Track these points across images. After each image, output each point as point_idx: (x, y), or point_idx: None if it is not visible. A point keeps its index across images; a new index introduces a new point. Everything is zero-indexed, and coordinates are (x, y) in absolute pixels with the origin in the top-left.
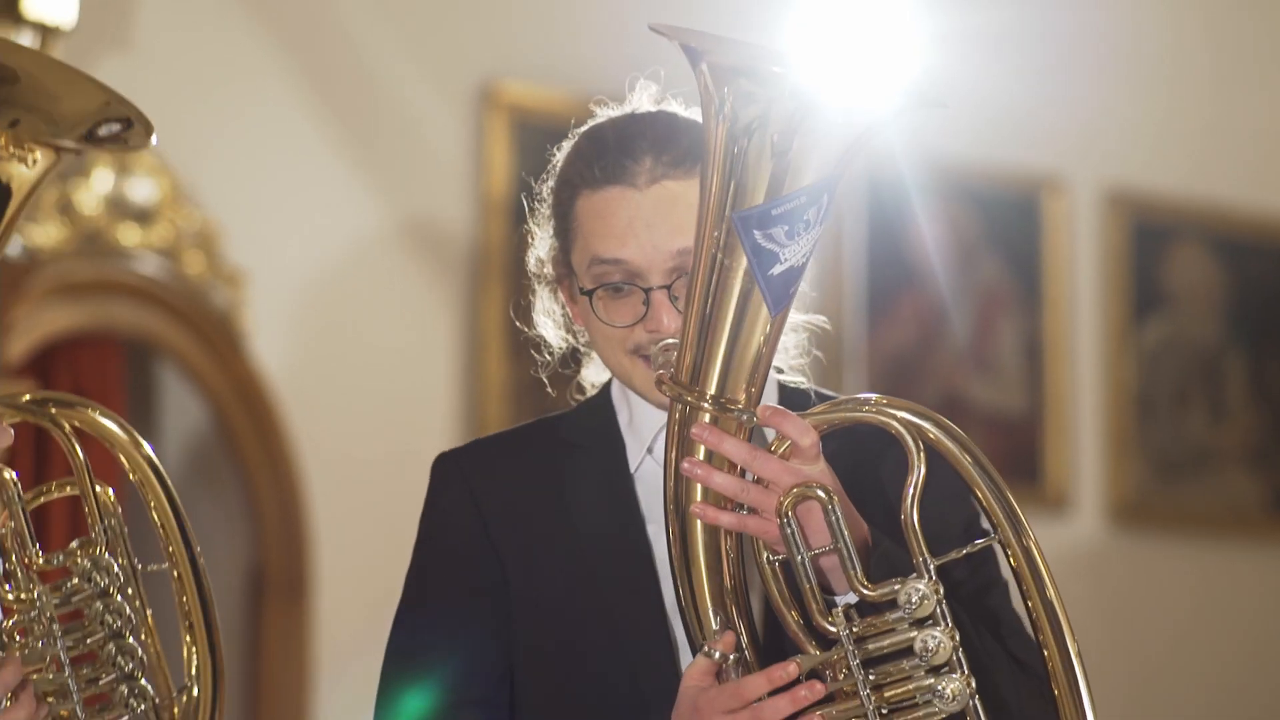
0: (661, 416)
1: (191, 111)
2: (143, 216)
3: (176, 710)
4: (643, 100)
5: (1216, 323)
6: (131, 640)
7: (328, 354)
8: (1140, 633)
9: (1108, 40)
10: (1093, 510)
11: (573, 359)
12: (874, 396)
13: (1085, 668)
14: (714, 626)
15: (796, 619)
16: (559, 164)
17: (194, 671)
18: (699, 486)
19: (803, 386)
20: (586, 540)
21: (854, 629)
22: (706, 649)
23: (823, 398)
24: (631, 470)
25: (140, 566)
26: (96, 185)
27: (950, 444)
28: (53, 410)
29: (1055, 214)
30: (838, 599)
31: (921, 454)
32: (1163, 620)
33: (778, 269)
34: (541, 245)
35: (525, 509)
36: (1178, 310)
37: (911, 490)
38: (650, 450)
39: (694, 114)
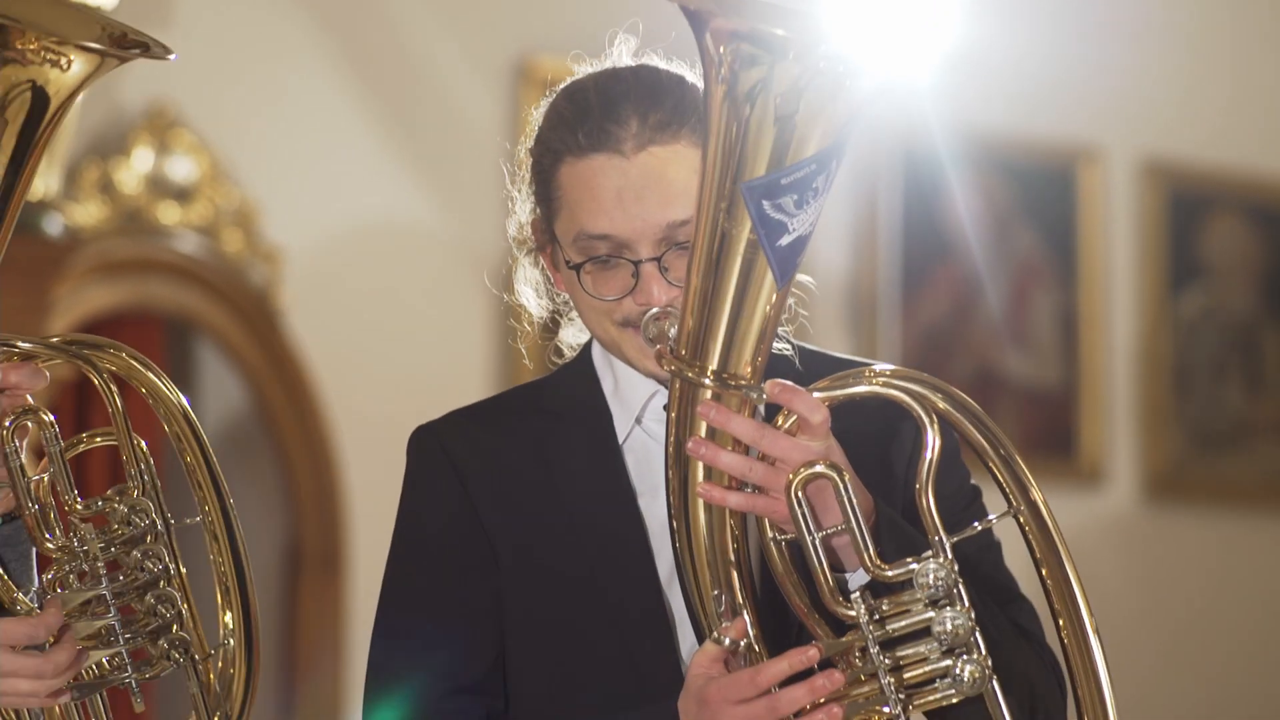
0: (650, 385)
1: (230, 90)
2: (182, 195)
3: (213, 670)
4: (622, 55)
5: (1254, 294)
6: (170, 589)
7: (364, 331)
8: (1175, 605)
9: (1143, 8)
10: (1128, 483)
11: (553, 323)
12: (880, 367)
13: (1104, 649)
14: (718, 610)
15: (804, 600)
16: (538, 126)
17: (228, 627)
18: (701, 465)
19: (787, 353)
20: (577, 514)
21: (871, 613)
22: (716, 635)
23: (807, 354)
24: (620, 441)
25: (174, 521)
26: (136, 164)
27: (960, 415)
28: (85, 353)
29: (1091, 184)
30: (848, 576)
31: (935, 427)
32: (1198, 593)
33: (786, 239)
34: (522, 210)
35: (511, 483)
36: (1215, 281)
37: (926, 466)
38: (639, 421)
39: (675, 68)
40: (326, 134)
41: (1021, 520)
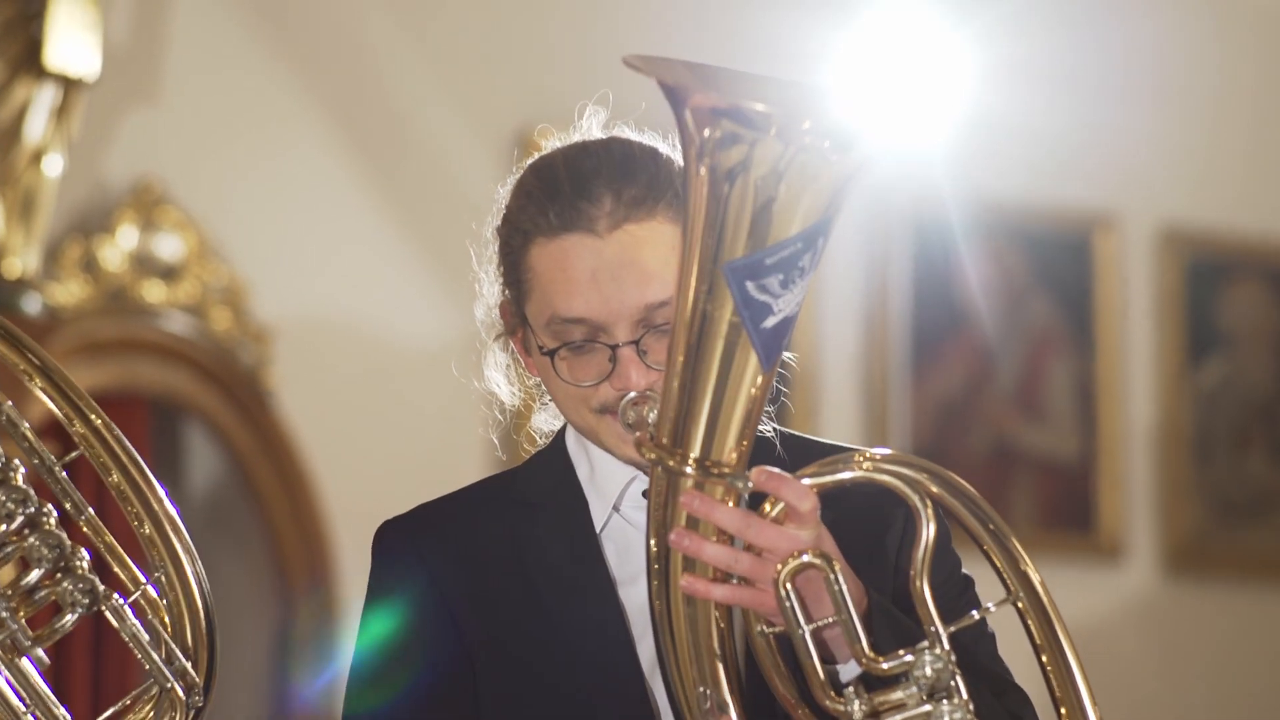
0: (628, 471)
1: (219, 165)
2: (168, 273)
3: (154, 609)
4: (592, 127)
5: (1276, 363)
6: (79, 565)
7: (358, 412)
8: (1199, 683)
9: (1160, 74)
10: (1148, 558)
11: (528, 410)
12: (869, 451)
13: None
14: (704, 707)
15: (793, 693)
16: (506, 204)
17: (154, 549)
18: (682, 556)
19: (767, 435)
20: (554, 606)
21: (864, 707)
22: None
23: (789, 439)
24: (598, 530)
25: (57, 463)
26: (121, 241)
27: (953, 498)
28: None
29: (1107, 253)
30: (839, 669)
31: (929, 512)
32: (1222, 670)
33: (771, 320)
34: (490, 293)
35: (482, 575)
36: (1235, 351)
37: (921, 553)
38: (617, 508)
39: (646, 139)
40: (318, 209)
41: (1021, 607)
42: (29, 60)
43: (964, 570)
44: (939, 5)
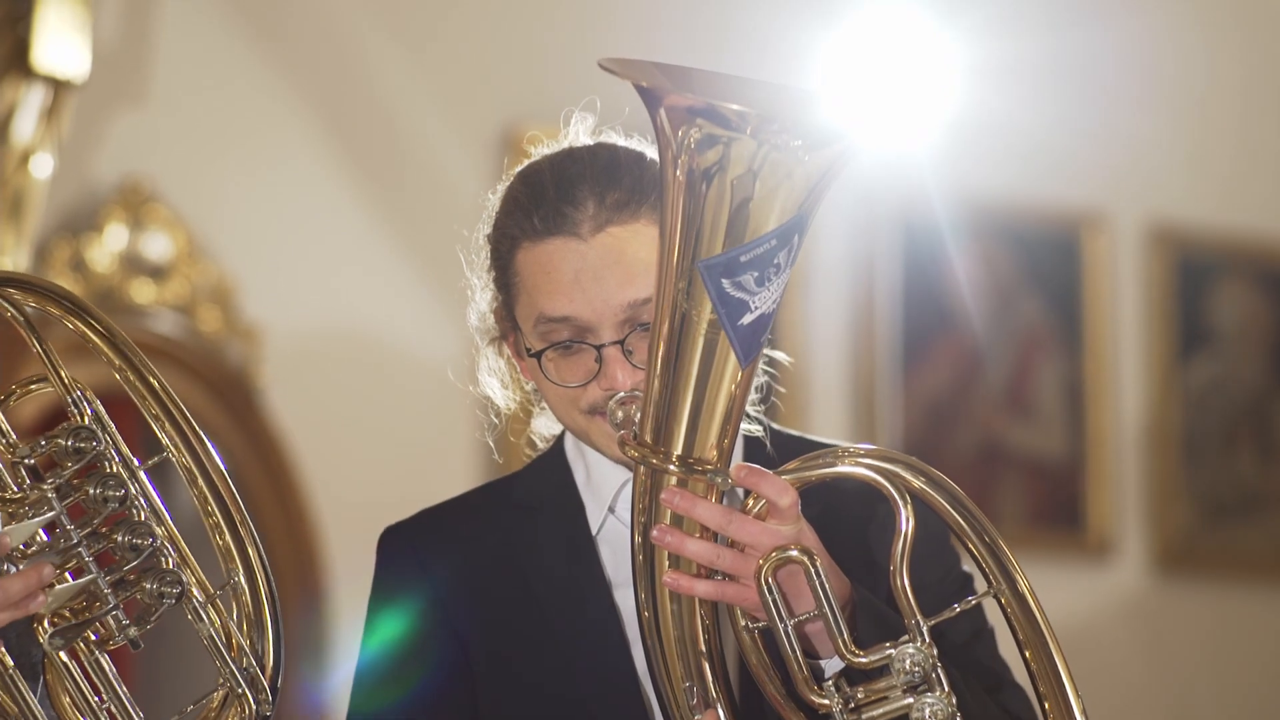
0: (622, 472)
1: (207, 163)
2: (157, 272)
3: (220, 615)
4: (579, 133)
5: (1265, 361)
6: (142, 518)
7: (347, 411)
8: (1188, 681)
9: (1148, 72)
10: (1137, 556)
11: (526, 414)
12: (850, 446)
13: None
14: (690, 703)
15: (778, 688)
16: (495, 210)
17: (231, 561)
18: (666, 553)
19: (757, 434)
20: (550, 609)
21: (846, 701)
22: None
23: (781, 437)
24: (593, 532)
25: (139, 464)
26: (109, 241)
27: (935, 493)
28: (12, 292)
29: (1096, 251)
30: (824, 664)
31: (909, 507)
32: (1211, 668)
33: (748, 318)
34: (482, 298)
35: (482, 580)
36: (1225, 349)
37: (900, 547)
38: (613, 510)
39: (634, 144)
40: (307, 208)
41: (1003, 601)
42: (17, 61)
43: (964, 568)
44: (927, 5)
